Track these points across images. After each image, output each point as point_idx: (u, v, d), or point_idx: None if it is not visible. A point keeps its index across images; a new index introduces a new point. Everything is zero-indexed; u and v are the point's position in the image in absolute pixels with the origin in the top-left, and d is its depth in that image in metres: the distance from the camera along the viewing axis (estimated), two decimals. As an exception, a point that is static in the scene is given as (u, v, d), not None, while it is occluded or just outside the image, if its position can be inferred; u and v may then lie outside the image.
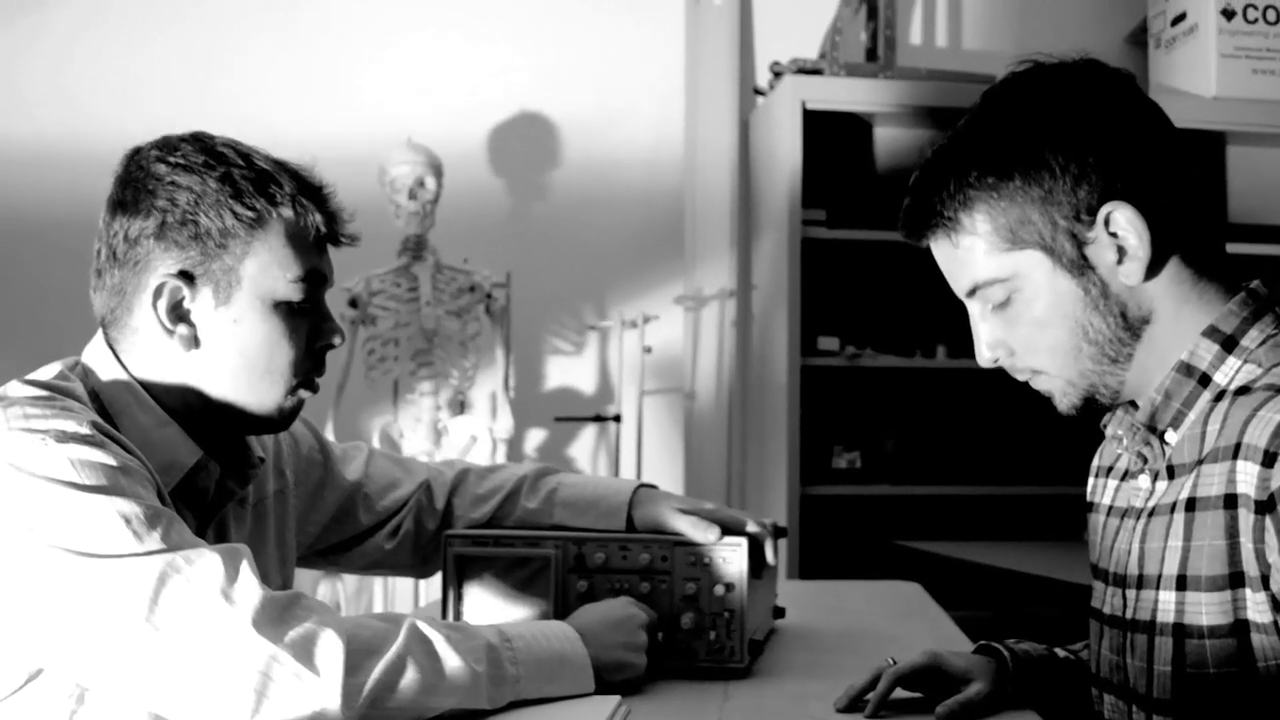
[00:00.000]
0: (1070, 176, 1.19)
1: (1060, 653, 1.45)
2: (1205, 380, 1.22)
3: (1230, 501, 1.14)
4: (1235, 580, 1.14)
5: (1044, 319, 1.23)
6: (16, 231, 3.72)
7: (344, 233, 1.40)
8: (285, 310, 1.34)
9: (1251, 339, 1.21)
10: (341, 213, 1.40)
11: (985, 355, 1.29)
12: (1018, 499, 3.67)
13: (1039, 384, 1.29)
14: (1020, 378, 1.30)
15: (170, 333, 1.31)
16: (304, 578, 3.22)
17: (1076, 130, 1.20)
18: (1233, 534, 1.14)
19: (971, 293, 1.28)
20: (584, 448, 3.90)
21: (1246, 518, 1.12)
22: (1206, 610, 1.15)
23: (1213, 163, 3.87)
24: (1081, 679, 1.41)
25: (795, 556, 3.44)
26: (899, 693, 1.34)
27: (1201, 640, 1.16)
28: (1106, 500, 1.37)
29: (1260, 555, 1.11)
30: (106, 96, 3.78)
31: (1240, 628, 1.14)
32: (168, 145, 1.33)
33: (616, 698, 1.30)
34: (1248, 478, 1.12)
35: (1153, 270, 1.21)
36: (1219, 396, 1.20)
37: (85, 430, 1.20)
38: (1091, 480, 1.43)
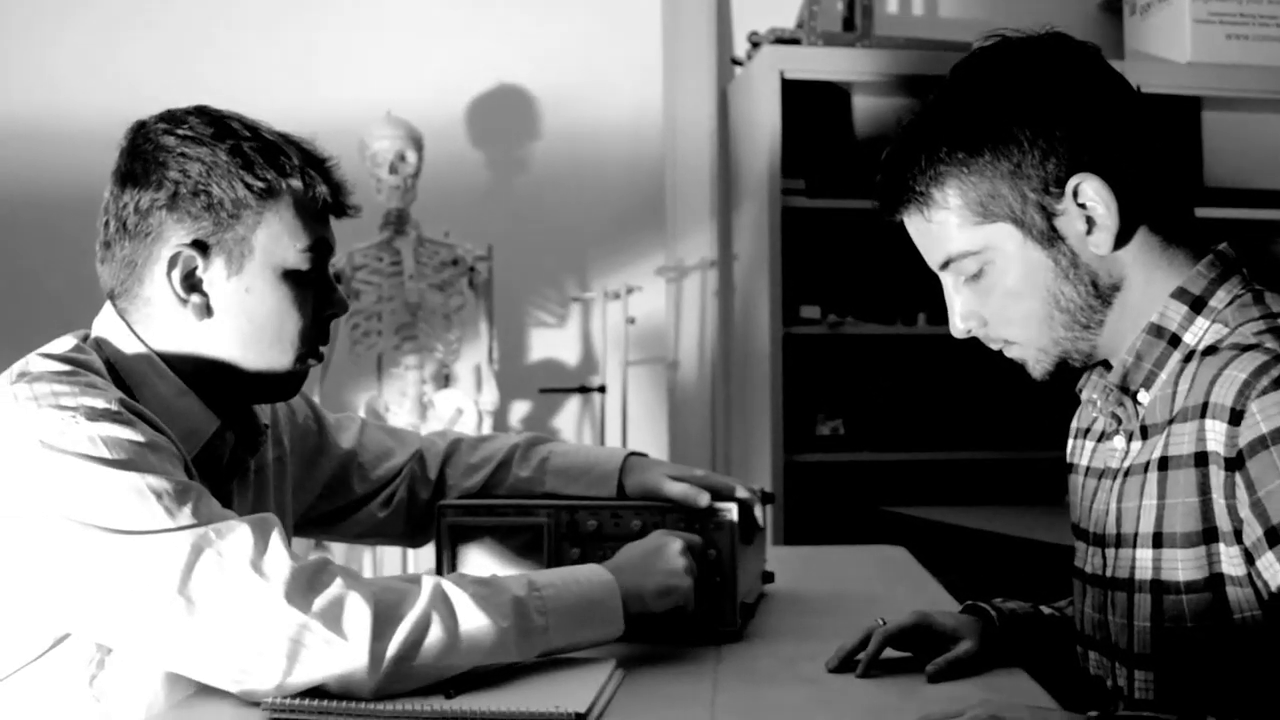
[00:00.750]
0: (1038, 150, 1.22)
1: (1045, 610, 1.48)
2: (1175, 341, 1.24)
3: (1201, 459, 1.17)
4: (1209, 536, 1.17)
5: (1016, 290, 1.26)
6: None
7: (349, 203, 1.43)
8: (294, 279, 1.37)
9: (1219, 299, 1.24)
10: (345, 184, 1.42)
11: (959, 326, 1.32)
12: (999, 463, 3.71)
13: (1012, 353, 1.32)
14: (994, 347, 1.33)
15: (184, 302, 1.33)
16: (295, 548, 3.23)
17: (1043, 104, 1.23)
18: (1205, 490, 1.17)
19: (945, 265, 1.30)
20: (569, 419, 3.91)
21: (1217, 474, 1.15)
22: (1183, 566, 1.18)
23: (1188, 127, 3.89)
24: (1067, 636, 1.44)
25: (781, 523, 3.47)
26: (889, 652, 1.37)
27: (1179, 595, 1.19)
28: (1084, 461, 1.39)
29: (1232, 510, 1.14)
30: (84, 74, 3.75)
31: (1215, 581, 1.17)
32: (174, 118, 1.35)
33: (611, 663, 1.32)
34: (1216, 435, 1.15)
35: (1122, 239, 1.23)
36: (1188, 357, 1.23)
37: (114, 407, 1.22)
38: (1070, 442, 1.45)
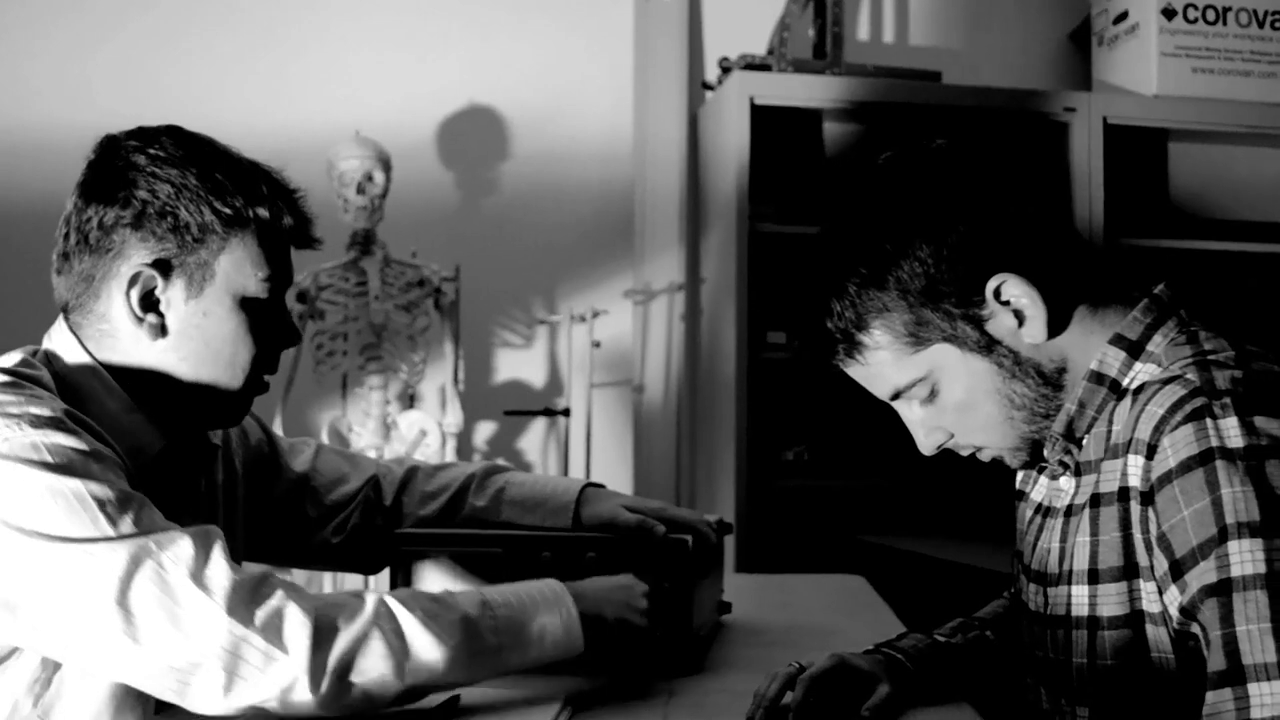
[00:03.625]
0: (945, 263, 1.22)
1: (940, 638, 1.47)
2: (1115, 387, 1.25)
3: (1124, 495, 1.19)
4: (1130, 571, 1.19)
5: (968, 401, 1.28)
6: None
7: (313, 236, 1.43)
8: (251, 307, 1.36)
9: (1155, 344, 1.25)
10: (311, 216, 1.42)
11: (927, 446, 1.34)
12: (965, 491, 3.71)
13: (985, 456, 1.33)
14: (965, 454, 1.34)
15: (139, 321, 1.33)
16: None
17: (936, 214, 1.23)
18: (1126, 526, 1.19)
19: (895, 397, 1.32)
20: (534, 441, 3.90)
21: (1135, 509, 1.17)
22: (1114, 602, 1.20)
23: (1154, 159, 3.93)
24: (971, 662, 1.45)
25: (744, 550, 3.47)
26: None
27: (1108, 630, 1.21)
28: (1033, 494, 1.40)
29: (1147, 544, 1.15)
30: (51, 89, 3.73)
31: (1136, 619, 1.18)
32: (146, 136, 1.35)
33: (559, 703, 1.31)
34: (1136, 470, 1.17)
35: (1056, 322, 1.25)
36: (1121, 395, 1.24)
37: (59, 415, 1.22)
38: (1021, 471, 1.46)
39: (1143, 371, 1.24)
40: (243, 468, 1.59)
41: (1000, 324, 1.24)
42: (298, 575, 3.26)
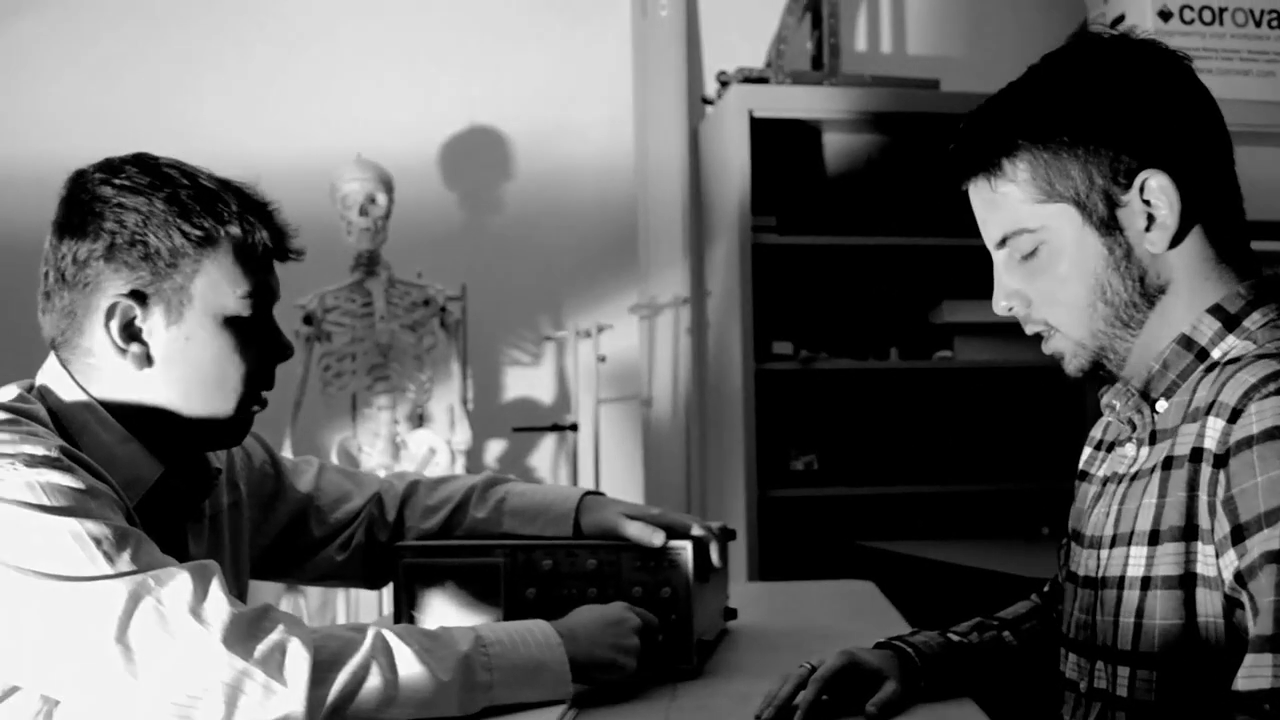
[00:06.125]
0: (1115, 140, 1.23)
1: (954, 637, 1.47)
2: (1203, 355, 1.24)
3: (1196, 455, 1.17)
4: (1190, 533, 1.16)
5: (1066, 273, 1.27)
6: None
7: (290, 248, 1.43)
8: (236, 326, 1.36)
9: (1253, 321, 1.24)
10: (287, 228, 1.42)
11: (1001, 304, 1.33)
12: (973, 497, 3.72)
13: (1050, 346, 1.32)
14: (1030, 330, 1.33)
15: (123, 352, 1.33)
16: (267, 592, 3.22)
17: (1127, 98, 1.24)
18: (1193, 486, 1.16)
19: (1001, 243, 1.31)
20: (544, 457, 3.92)
21: (1205, 470, 1.15)
22: (1170, 563, 1.18)
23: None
24: (982, 661, 1.45)
25: (755, 559, 3.47)
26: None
27: (1161, 590, 1.18)
28: (1095, 470, 1.39)
29: (1211, 507, 1.13)
30: (46, 120, 3.77)
31: (1189, 580, 1.16)
32: (111, 167, 1.35)
33: (563, 706, 1.32)
34: (1214, 432, 1.15)
35: (1176, 241, 1.24)
36: (1211, 368, 1.23)
37: (53, 454, 1.22)
38: (1088, 450, 1.45)
39: (1237, 347, 1.23)
40: (246, 489, 1.59)
41: (1130, 217, 1.24)
42: (312, 593, 3.28)
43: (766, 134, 3.61)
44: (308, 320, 3.32)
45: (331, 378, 3.35)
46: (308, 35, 3.91)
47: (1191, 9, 3.66)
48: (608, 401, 3.82)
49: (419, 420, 3.44)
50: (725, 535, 1.66)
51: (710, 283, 3.89)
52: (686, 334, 3.92)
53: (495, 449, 3.89)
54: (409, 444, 3.38)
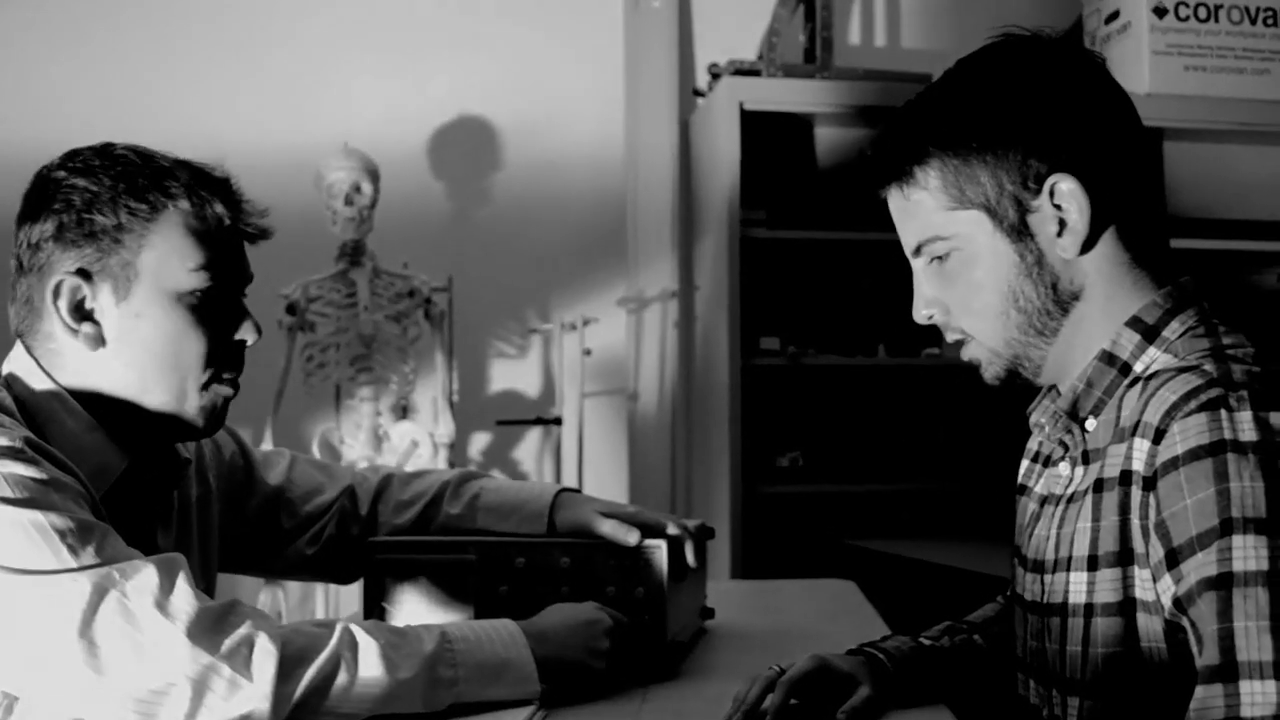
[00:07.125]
0: (1023, 145, 1.22)
1: (926, 642, 1.46)
2: (1126, 370, 1.24)
3: (1125, 479, 1.16)
4: (1125, 558, 1.16)
5: (979, 281, 1.26)
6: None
7: (250, 223, 1.40)
8: (189, 302, 1.34)
9: (1172, 330, 1.23)
10: (246, 203, 1.40)
11: (921, 312, 1.33)
12: (959, 494, 3.70)
13: (967, 352, 1.32)
14: (950, 337, 1.34)
15: (75, 332, 1.31)
16: (247, 586, 3.20)
17: (1036, 101, 1.24)
18: (1124, 510, 1.16)
19: (917, 251, 1.31)
20: (528, 451, 3.89)
21: (1135, 494, 1.14)
22: (1109, 589, 1.17)
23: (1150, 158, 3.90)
24: (955, 666, 1.44)
25: (739, 555, 3.45)
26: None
27: (1102, 618, 1.18)
28: (1033, 485, 1.39)
29: (1144, 531, 1.13)
30: (41, 108, 3.74)
31: (1129, 606, 1.16)
32: (70, 154, 1.35)
33: (531, 707, 1.30)
34: (1140, 454, 1.14)
35: (1089, 246, 1.23)
36: (1133, 382, 1.22)
37: (16, 445, 1.20)
38: (1025, 462, 1.44)
39: (1158, 360, 1.22)
40: (216, 481, 1.57)
41: (1041, 223, 1.23)
42: (292, 587, 3.25)
43: (757, 127, 3.58)
44: (291, 310, 3.28)
45: (314, 368, 3.32)
46: (296, 23, 3.88)
47: (1187, 6, 3.64)
48: (593, 395, 3.80)
49: (402, 412, 3.41)
50: (703, 534, 1.63)
51: (699, 276, 3.86)
52: (674, 328, 3.89)
53: (479, 442, 3.86)
54: (391, 436, 3.35)
